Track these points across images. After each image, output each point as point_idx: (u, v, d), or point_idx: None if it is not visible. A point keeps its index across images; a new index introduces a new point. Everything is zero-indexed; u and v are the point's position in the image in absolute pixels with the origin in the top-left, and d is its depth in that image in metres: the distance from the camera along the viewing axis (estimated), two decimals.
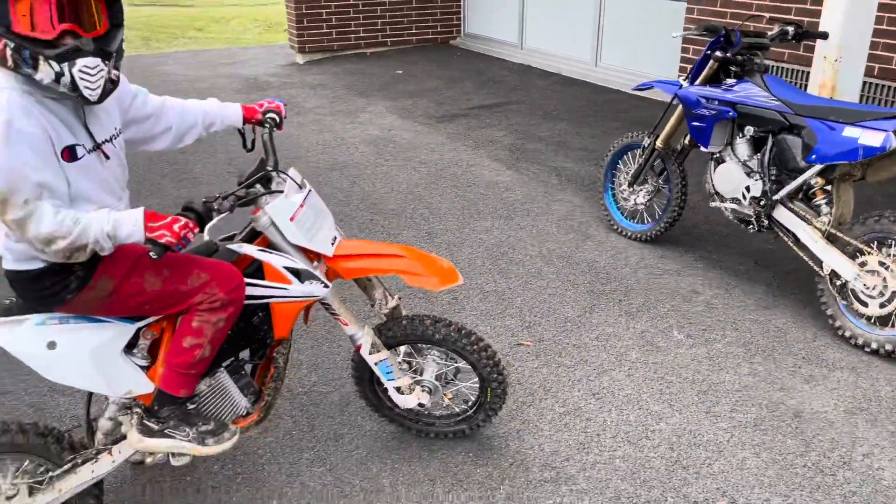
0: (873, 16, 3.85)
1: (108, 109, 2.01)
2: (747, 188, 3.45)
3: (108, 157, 1.98)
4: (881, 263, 2.98)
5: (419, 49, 10.01)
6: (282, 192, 2.14)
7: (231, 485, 2.52)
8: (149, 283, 2.01)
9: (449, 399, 2.61)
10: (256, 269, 2.18)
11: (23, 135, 1.73)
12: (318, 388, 3.01)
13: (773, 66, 6.01)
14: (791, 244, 3.35)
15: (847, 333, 3.13)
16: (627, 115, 6.63)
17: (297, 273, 2.16)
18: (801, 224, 3.27)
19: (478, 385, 2.52)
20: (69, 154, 1.85)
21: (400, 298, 2.50)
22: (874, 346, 3.03)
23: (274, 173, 2.17)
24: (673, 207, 3.98)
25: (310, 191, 2.24)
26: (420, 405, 2.47)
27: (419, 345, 2.49)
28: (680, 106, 3.74)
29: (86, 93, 1.81)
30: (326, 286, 2.22)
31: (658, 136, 3.93)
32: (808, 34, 3.67)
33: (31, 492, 2.10)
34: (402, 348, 2.52)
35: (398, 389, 2.44)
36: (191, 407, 2.20)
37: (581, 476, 2.50)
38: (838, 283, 3.17)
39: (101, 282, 1.96)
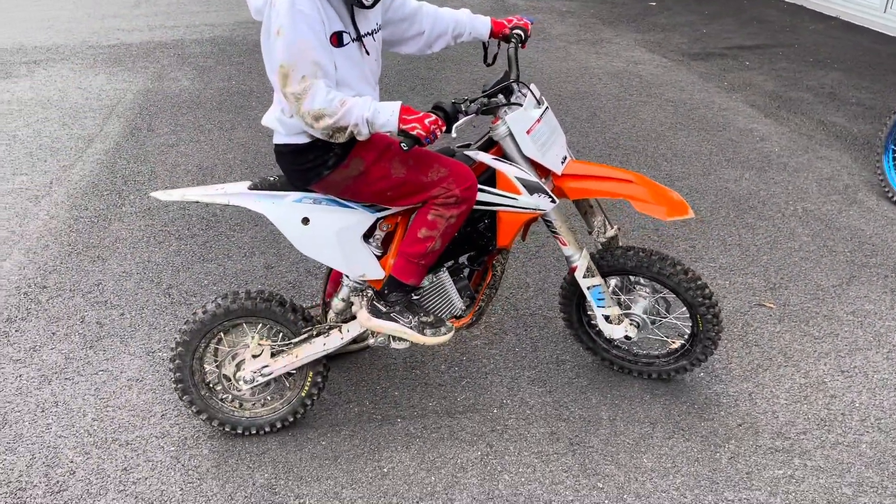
0: None
1: None
2: None
3: (367, 51, 2.11)
4: None
5: None
6: (521, 105, 2.18)
7: (456, 386, 2.66)
8: (395, 168, 2.13)
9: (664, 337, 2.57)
10: (488, 179, 2.23)
11: (303, 15, 1.88)
12: (544, 313, 3.04)
13: None
14: None
15: None
16: None
17: (526, 185, 2.19)
18: None
19: (689, 316, 2.43)
20: (336, 39, 1.99)
21: (619, 229, 2.45)
22: None
23: (516, 86, 2.22)
24: None
25: (547, 107, 2.25)
26: (627, 337, 2.44)
27: (628, 279, 2.47)
28: None
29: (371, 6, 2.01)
30: (553, 201, 2.22)
31: None
32: None
33: (273, 354, 2.37)
34: (612, 281, 2.49)
35: (607, 318, 2.42)
36: (415, 297, 2.34)
37: (818, 453, 2.31)
38: None
39: (354, 162, 2.12)
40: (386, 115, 1.96)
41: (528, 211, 2.23)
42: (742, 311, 3.01)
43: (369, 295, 2.34)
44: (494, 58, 2.42)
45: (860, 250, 3.41)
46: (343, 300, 2.40)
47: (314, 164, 2.12)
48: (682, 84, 5.69)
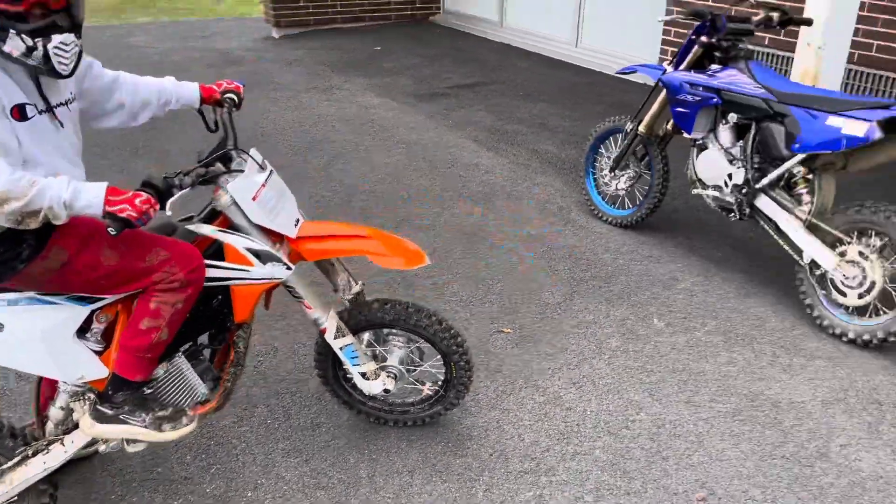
0: (857, 2, 3.83)
1: None
2: (729, 176, 3.43)
3: (61, 123, 1.92)
4: (861, 254, 2.98)
5: (398, 25, 9.86)
6: (242, 171, 2.09)
7: (204, 476, 2.46)
8: (105, 256, 1.93)
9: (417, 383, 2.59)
10: (216, 252, 2.12)
11: None
12: (295, 376, 2.95)
13: (755, 52, 5.99)
14: (772, 233, 3.34)
15: (825, 323, 3.15)
16: (609, 98, 6.58)
17: (258, 255, 2.10)
18: (783, 213, 3.26)
19: (442, 363, 2.49)
20: (18, 112, 1.79)
21: (363, 284, 2.45)
22: (851, 335, 3.05)
23: (234, 153, 2.12)
24: (654, 193, 3.95)
25: (271, 171, 2.18)
26: (386, 391, 2.43)
27: (381, 331, 2.45)
28: (663, 91, 3.70)
29: (59, 68, 1.79)
30: (289, 268, 2.15)
31: (641, 122, 3.89)
32: (792, 20, 3.63)
33: None
34: (365, 336, 2.48)
35: (363, 375, 2.40)
36: (147, 392, 2.13)
37: (561, 467, 2.48)
38: (818, 272, 3.18)
39: (55, 251, 1.88)
40: (88, 197, 1.77)
41: (263, 282, 2.13)
42: (483, 339, 3.17)
43: (91, 398, 2.07)
44: (216, 123, 2.31)
45: (577, 266, 3.78)
46: (62, 408, 2.13)
47: (3, 258, 1.85)
48: (412, 124, 5.96)
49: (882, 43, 5.09)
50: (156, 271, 1.96)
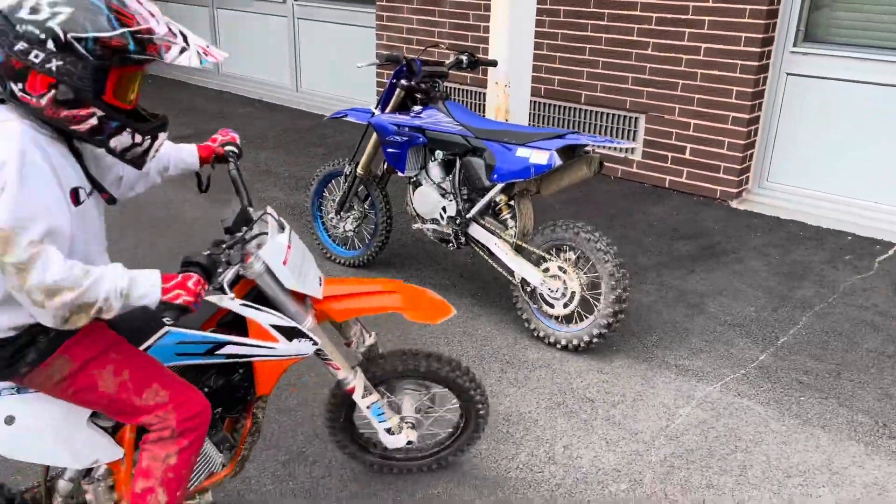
0: (532, 44, 4.31)
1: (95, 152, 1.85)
2: (444, 209, 3.64)
3: (105, 202, 1.82)
4: (560, 268, 3.33)
5: None
6: (266, 233, 1.97)
7: None
8: (104, 381, 1.79)
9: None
10: (235, 318, 1.99)
11: (37, 169, 1.56)
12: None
13: (460, 90, 6.49)
14: (486, 257, 3.60)
15: (541, 334, 3.45)
16: (332, 140, 6.68)
17: (283, 332, 2.00)
18: (492, 238, 3.53)
19: (458, 405, 2.48)
20: (74, 197, 1.67)
21: (377, 335, 2.37)
22: (563, 342, 3.38)
23: (252, 212, 2.01)
24: (380, 232, 4.06)
25: (290, 229, 2.07)
26: (409, 443, 2.39)
27: (393, 381, 2.42)
28: (374, 133, 3.83)
29: (147, 164, 1.78)
30: (315, 343, 2.06)
31: (358, 163, 3.99)
32: (479, 62, 3.98)
33: None
34: (381, 388, 2.41)
35: (388, 430, 2.35)
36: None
37: None
38: (529, 288, 3.48)
39: (59, 362, 1.76)
40: (146, 286, 1.66)
41: (288, 358, 2.06)
42: None
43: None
44: (208, 183, 2.18)
45: None
46: (71, 480, 2.01)
47: (8, 360, 1.72)
48: None
49: (562, 77, 5.80)
50: (149, 413, 1.82)
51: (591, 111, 5.75)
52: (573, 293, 3.31)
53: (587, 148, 3.28)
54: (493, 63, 4.12)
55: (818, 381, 3.16)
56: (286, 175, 5.76)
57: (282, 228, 2.05)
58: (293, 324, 2.00)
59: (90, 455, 1.92)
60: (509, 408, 3.01)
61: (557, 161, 3.16)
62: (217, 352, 1.96)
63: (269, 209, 2.07)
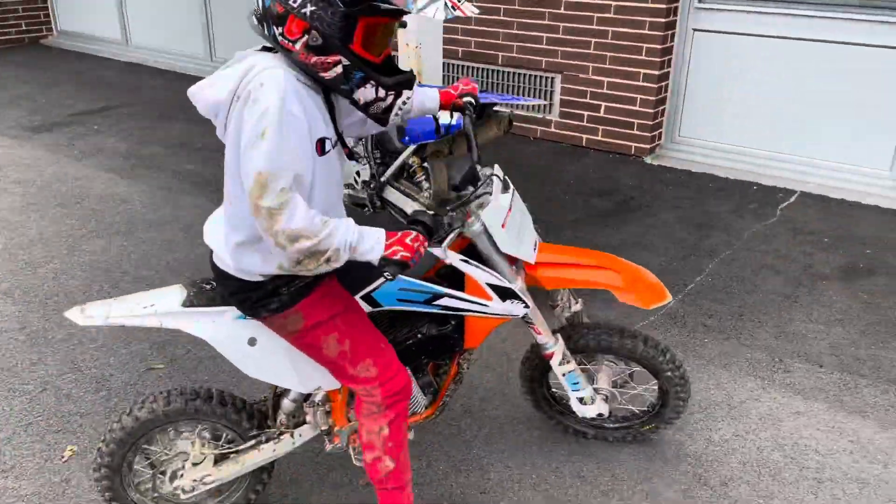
0: None
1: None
2: (357, 173, 3.62)
3: (347, 154, 1.87)
4: None
5: (1, 51, 8.65)
6: (489, 193, 2.02)
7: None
8: (327, 345, 1.92)
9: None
10: (452, 272, 2.06)
11: (293, 118, 1.61)
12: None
13: None
14: (402, 220, 3.61)
15: None
16: None
17: (498, 291, 2.05)
18: (408, 200, 3.53)
19: (657, 387, 2.45)
20: (320, 147, 1.72)
21: (584, 302, 2.39)
22: None
23: (479, 169, 2.03)
24: None
25: (514, 190, 2.09)
26: (600, 415, 2.39)
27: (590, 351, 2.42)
28: None
29: (392, 120, 1.78)
30: (527, 306, 2.10)
31: None
32: None
33: (217, 461, 2.12)
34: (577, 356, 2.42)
35: (581, 400, 2.36)
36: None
37: None
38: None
39: (294, 317, 1.88)
40: (371, 242, 1.74)
41: (500, 316, 2.11)
42: (133, 380, 2.94)
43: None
44: (448, 129, 2.23)
45: None
46: (294, 401, 2.17)
47: (254, 303, 1.87)
48: (28, 161, 5.28)
49: (479, 39, 5.79)
50: (357, 384, 1.96)
51: (509, 72, 5.78)
52: None
53: (496, 107, 3.30)
54: (403, 25, 4.08)
55: (721, 324, 3.32)
56: (201, 146, 5.61)
57: (506, 188, 2.07)
58: (508, 284, 2.05)
59: (314, 381, 2.07)
60: None
61: (465, 121, 3.17)
62: (435, 302, 2.04)
63: (496, 168, 2.07)
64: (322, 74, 1.66)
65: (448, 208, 1.94)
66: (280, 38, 1.64)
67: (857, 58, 4.57)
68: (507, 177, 2.12)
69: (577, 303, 2.38)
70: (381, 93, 1.70)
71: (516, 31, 5.58)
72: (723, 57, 5.05)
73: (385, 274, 1.73)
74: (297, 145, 1.63)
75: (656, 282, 2.18)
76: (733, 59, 5.01)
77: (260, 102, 1.58)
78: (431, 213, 1.87)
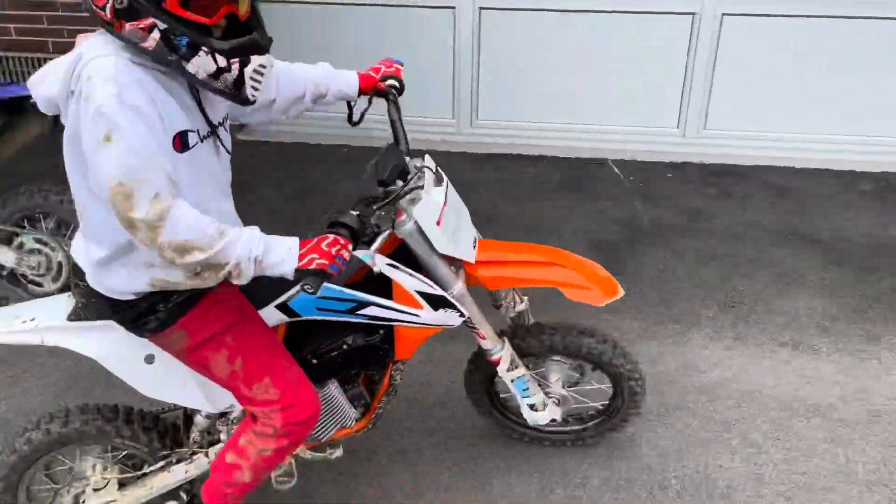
0: None
1: None
2: None
3: (224, 147, 1.65)
4: (37, 240, 2.97)
5: None
6: (421, 187, 1.81)
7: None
8: (216, 364, 1.73)
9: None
10: (380, 276, 1.85)
11: (136, 112, 1.37)
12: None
13: None
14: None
15: None
16: None
17: (429, 300, 1.88)
18: None
19: (611, 384, 2.35)
20: (180, 142, 1.49)
21: (529, 301, 2.23)
22: None
23: (409, 161, 1.84)
24: None
25: (448, 183, 1.92)
26: (553, 421, 2.29)
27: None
28: None
29: (250, 94, 1.53)
30: (463, 315, 1.94)
31: None
32: None
33: (121, 486, 1.95)
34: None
35: (532, 406, 2.24)
36: None
37: None
38: (4, 273, 3.05)
39: (176, 335, 1.70)
40: (280, 252, 1.51)
41: (432, 327, 1.95)
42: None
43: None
44: (362, 116, 1.99)
45: None
46: (208, 417, 2.00)
47: (132, 323, 1.70)
48: None
49: (20, 26, 4.90)
50: (255, 406, 1.76)
51: None
52: (59, 263, 3.02)
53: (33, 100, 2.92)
54: None
55: None
56: None
57: (439, 181, 1.89)
58: (441, 293, 1.88)
59: (225, 400, 1.90)
60: None
61: None
62: (359, 311, 1.87)
63: (427, 159, 1.91)
64: (143, 45, 1.40)
65: (375, 207, 1.74)
66: (94, 7, 1.40)
67: (641, 25, 4.83)
68: (439, 168, 1.96)
69: (521, 302, 2.23)
70: (222, 61, 1.45)
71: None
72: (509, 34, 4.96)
73: (305, 287, 1.53)
74: (154, 142, 1.42)
75: (606, 276, 2.05)
76: (518, 36, 4.96)
77: (92, 100, 1.37)
78: (356, 213, 1.64)
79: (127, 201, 1.40)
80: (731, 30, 4.84)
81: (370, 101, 2.04)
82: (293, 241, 1.56)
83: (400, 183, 1.80)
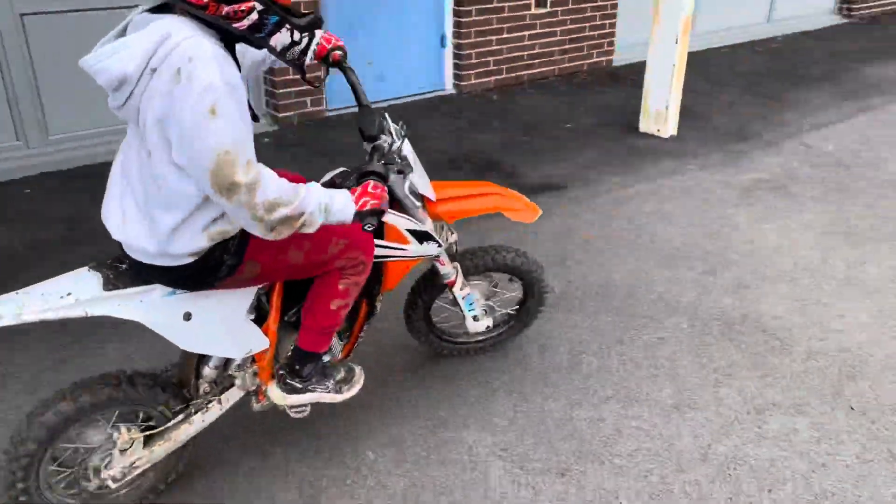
0: None
1: None
2: None
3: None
4: None
5: None
6: (399, 140, 2.11)
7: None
8: (292, 257, 1.92)
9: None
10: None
11: (234, 88, 1.54)
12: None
13: None
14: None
15: None
16: None
17: (415, 235, 2.21)
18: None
19: (522, 289, 2.77)
20: (250, 112, 1.65)
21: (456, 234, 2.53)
22: None
23: (378, 121, 2.09)
24: None
25: (405, 136, 2.19)
26: (488, 327, 2.67)
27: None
28: None
29: (306, 63, 1.85)
30: (440, 245, 2.29)
31: None
32: None
33: (146, 443, 2.04)
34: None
35: (475, 318, 2.62)
36: (326, 361, 2.22)
37: None
38: None
39: (248, 267, 1.87)
40: (343, 200, 1.78)
41: (416, 258, 2.29)
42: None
43: (281, 374, 2.17)
44: (321, 82, 2.33)
45: None
46: (216, 368, 2.16)
47: (203, 278, 1.85)
48: None
49: None
50: (339, 258, 1.98)
51: None
52: None
53: None
54: None
55: None
56: None
57: (400, 134, 2.15)
58: (425, 228, 2.23)
59: (246, 345, 2.07)
60: None
61: None
62: None
63: (387, 117, 2.15)
64: (235, 25, 1.57)
65: (392, 151, 2.06)
66: None
67: None
68: (392, 122, 2.19)
69: (453, 234, 2.50)
70: (297, 36, 1.70)
71: None
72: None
73: (366, 227, 1.86)
74: (247, 113, 1.59)
75: (529, 201, 2.51)
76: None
77: (198, 79, 1.49)
78: (381, 162, 1.99)
79: (232, 167, 1.54)
80: (36, 30, 4.29)
81: (327, 71, 2.25)
82: (346, 192, 1.80)
83: (384, 137, 2.07)
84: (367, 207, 1.80)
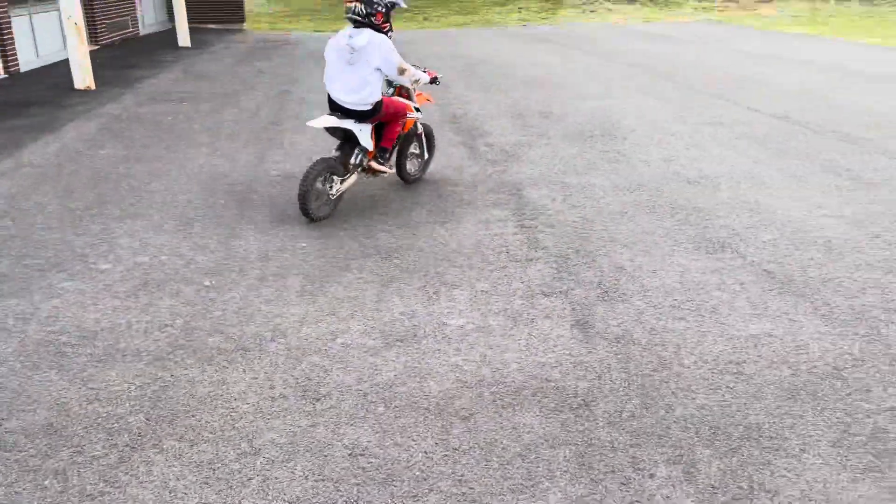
0: None
1: None
2: None
3: None
4: None
5: None
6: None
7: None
8: (394, 106, 5.09)
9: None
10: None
11: (392, 45, 4.90)
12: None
13: None
14: None
15: None
16: None
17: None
18: None
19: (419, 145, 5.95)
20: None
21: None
22: None
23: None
24: None
25: None
26: (420, 161, 5.97)
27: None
28: None
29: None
30: (419, 111, 5.52)
31: None
32: None
33: (339, 183, 5.06)
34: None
35: (418, 157, 5.97)
36: (388, 153, 5.35)
37: None
38: None
39: (382, 111, 4.98)
40: (425, 77, 5.24)
41: (416, 116, 5.52)
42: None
43: (375, 155, 5.27)
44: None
45: None
46: (356, 155, 5.12)
47: (371, 115, 5.00)
48: None
49: None
50: (404, 111, 5.24)
51: None
52: None
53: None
54: None
55: None
56: None
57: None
58: (417, 105, 5.50)
59: (370, 146, 5.06)
60: None
61: None
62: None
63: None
64: (384, 28, 4.83)
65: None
66: (373, 20, 4.78)
67: None
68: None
69: (420, 112, 5.72)
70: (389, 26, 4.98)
71: None
72: None
73: (437, 83, 5.44)
74: (397, 53, 4.92)
75: (426, 98, 5.93)
76: None
77: (387, 43, 4.81)
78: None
79: (402, 65, 4.95)
80: None
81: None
82: (424, 73, 5.33)
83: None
84: (432, 77, 5.33)
